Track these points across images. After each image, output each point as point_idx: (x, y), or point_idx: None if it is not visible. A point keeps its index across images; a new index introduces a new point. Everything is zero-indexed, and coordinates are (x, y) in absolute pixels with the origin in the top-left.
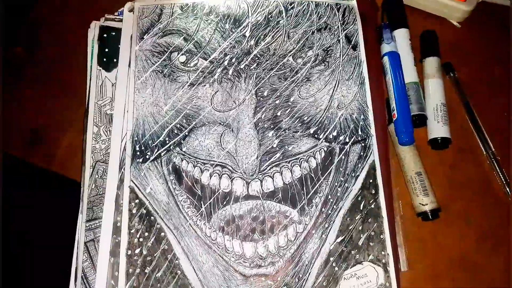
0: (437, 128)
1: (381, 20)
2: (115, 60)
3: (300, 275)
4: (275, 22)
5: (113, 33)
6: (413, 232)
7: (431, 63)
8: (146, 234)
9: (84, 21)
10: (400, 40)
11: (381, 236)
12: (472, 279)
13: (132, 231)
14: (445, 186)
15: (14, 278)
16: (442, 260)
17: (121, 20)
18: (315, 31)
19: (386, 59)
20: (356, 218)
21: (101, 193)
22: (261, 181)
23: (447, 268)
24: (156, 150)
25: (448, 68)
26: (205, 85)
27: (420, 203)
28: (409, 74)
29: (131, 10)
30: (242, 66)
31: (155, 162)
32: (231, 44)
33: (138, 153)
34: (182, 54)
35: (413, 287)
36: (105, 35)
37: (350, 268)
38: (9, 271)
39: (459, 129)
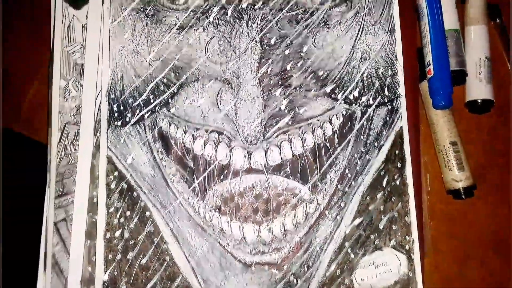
0: (479, 88)
1: None
2: None
3: (310, 263)
4: None
5: None
6: (440, 209)
7: (476, 5)
8: (128, 213)
9: None
10: None
11: (406, 218)
12: (505, 263)
13: (111, 210)
14: (480, 155)
15: None
16: (472, 240)
17: None
18: None
19: None
20: (378, 196)
21: (72, 162)
22: (266, 151)
23: (477, 249)
24: (138, 111)
25: (495, 12)
26: (198, 29)
27: (453, 179)
28: (449, 19)
29: None
30: (244, 5)
31: (137, 126)
32: None
33: (116, 114)
34: None
35: (437, 271)
36: None
37: (368, 255)
38: None
39: (501, 87)
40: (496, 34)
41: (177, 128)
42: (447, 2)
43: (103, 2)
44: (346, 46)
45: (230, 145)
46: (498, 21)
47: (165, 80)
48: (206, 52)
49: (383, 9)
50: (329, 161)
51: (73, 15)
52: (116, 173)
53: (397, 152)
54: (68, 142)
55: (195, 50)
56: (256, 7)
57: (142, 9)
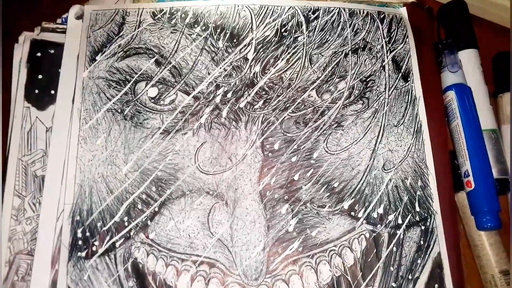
0: None
1: (438, 36)
2: (52, 92)
3: None
4: (291, 38)
5: (51, 51)
6: None
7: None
8: None
9: (14, 29)
10: (469, 67)
11: None
12: None
13: None
14: None
15: None
16: None
17: (64, 32)
18: (349, 52)
19: (451, 95)
20: None
21: None
22: None
23: None
24: (108, 237)
25: None
26: (186, 133)
27: None
28: (484, 118)
29: (79, 16)
30: (241, 105)
31: (106, 257)
32: (226, 71)
33: (80, 242)
34: (152, 86)
35: None
36: (38, 54)
37: None
38: None
39: None
40: None
41: (157, 259)
42: (480, 99)
43: (73, 102)
44: (365, 152)
45: (224, 282)
46: None
47: (144, 197)
48: (196, 160)
49: (406, 108)
50: None
51: (36, 117)
52: None
53: (436, 286)
54: (18, 278)
55: (183, 159)
56: (256, 106)
57: (119, 110)
